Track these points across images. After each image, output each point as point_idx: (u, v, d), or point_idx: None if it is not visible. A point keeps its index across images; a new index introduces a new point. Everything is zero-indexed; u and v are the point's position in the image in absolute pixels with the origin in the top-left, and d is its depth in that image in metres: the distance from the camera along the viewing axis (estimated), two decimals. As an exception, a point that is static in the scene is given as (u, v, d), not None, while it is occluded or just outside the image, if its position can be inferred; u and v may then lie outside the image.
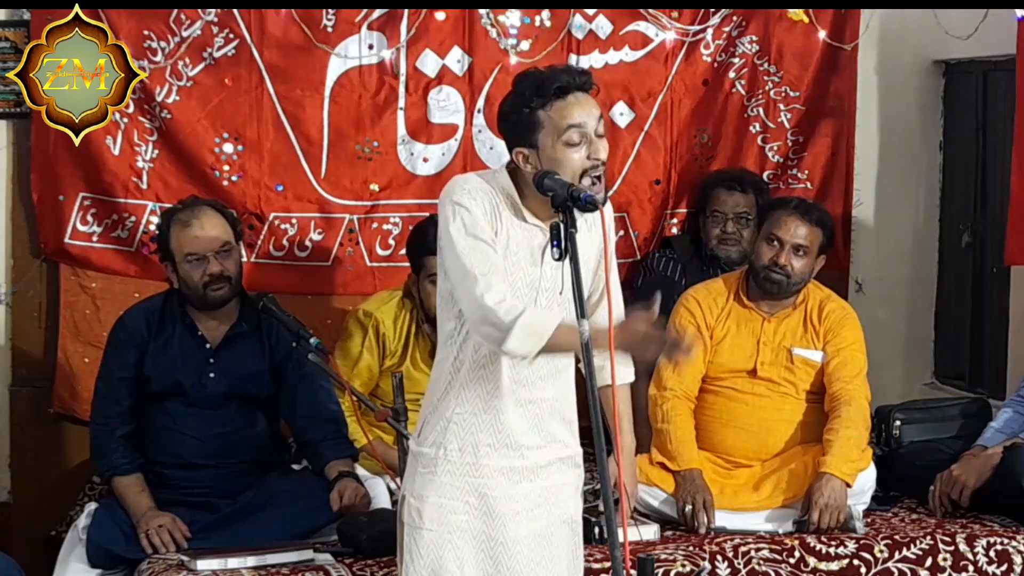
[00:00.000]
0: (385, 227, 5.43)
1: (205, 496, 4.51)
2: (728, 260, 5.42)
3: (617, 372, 3.40)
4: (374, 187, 5.41)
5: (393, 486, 4.60)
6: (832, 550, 4.45)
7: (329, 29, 5.29)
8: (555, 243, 3.15)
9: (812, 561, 4.43)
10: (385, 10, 5.32)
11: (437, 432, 3.41)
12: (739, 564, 4.38)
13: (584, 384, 3.36)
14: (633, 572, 3.45)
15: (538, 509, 3.45)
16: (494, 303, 3.21)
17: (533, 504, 3.44)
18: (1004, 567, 4.50)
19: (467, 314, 3.28)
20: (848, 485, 4.57)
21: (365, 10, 5.31)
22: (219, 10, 5.18)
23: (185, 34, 5.16)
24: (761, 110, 5.77)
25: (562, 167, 3.28)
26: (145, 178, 5.17)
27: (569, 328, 3.20)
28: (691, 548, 4.38)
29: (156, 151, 5.18)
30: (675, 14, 5.59)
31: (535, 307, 3.31)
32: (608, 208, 3.45)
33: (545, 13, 5.48)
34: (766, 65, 5.74)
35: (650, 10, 5.56)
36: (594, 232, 3.40)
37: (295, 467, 4.73)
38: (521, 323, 3.19)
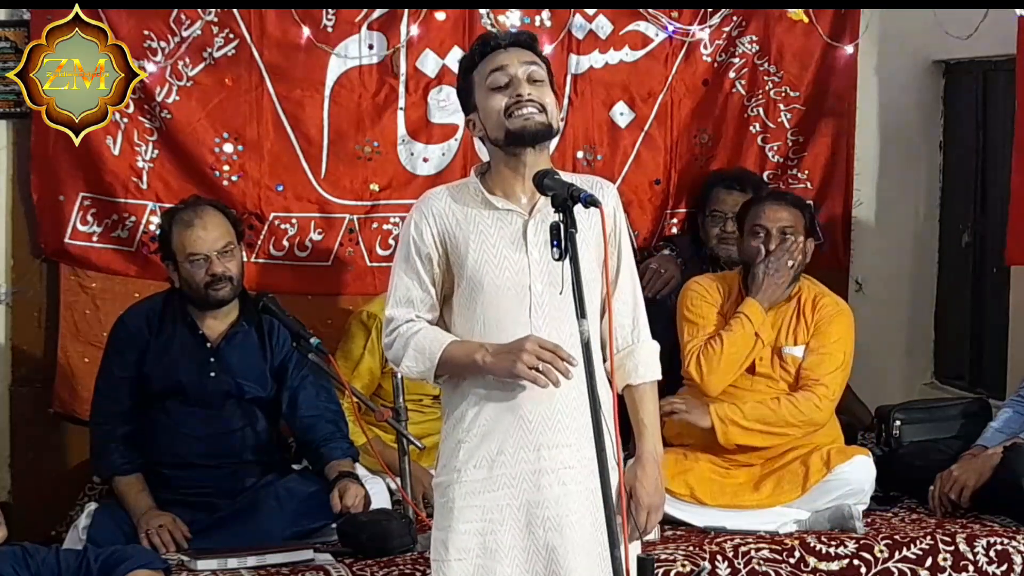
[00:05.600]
0: (385, 227, 5.43)
1: (205, 496, 4.52)
2: (728, 260, 5.41)
3: (646, 368, 3.40)
4: (374, 187, 5.41)
5: (393, 486, 4.61)
6: (832, 550, 4.45)
7: (329, 29, 5.29)
8: (555, 243, 3.09)
9: (812, 561, 4.43)
10: (385, 10, 5.32)
11: (448, 457, 3.34)
12: (739, 564, 4.38)
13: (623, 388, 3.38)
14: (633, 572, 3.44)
15: (574, 515, 3.31)
16: (391, 324, 3.34)
17: (567, 510, 3.30)
18: (1004, 567, 4.50)
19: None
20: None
21: (365, 10, 5.31)
22: (219, 10, 5.18)
23: (185, 34, 5.16)
24: (761, 110, 5.76)
25: (488, 113, 3.27)
26: (145, 178, 5.17)
27: (460, 344, 3.26)
28: (691, 548, 4.39)
29: (156, 151, 5.18)
30: (675, 14, 5.59)
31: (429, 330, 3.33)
32: (612, 190, 3.43)
33: (545, 13, 5.48)
34: (766, 65, 5.73)
35: (650, 10, 5.56)
36: (596, 216, 3.22)
37: (295, 467, 4.73)
38: (414, 344, 3.28)
